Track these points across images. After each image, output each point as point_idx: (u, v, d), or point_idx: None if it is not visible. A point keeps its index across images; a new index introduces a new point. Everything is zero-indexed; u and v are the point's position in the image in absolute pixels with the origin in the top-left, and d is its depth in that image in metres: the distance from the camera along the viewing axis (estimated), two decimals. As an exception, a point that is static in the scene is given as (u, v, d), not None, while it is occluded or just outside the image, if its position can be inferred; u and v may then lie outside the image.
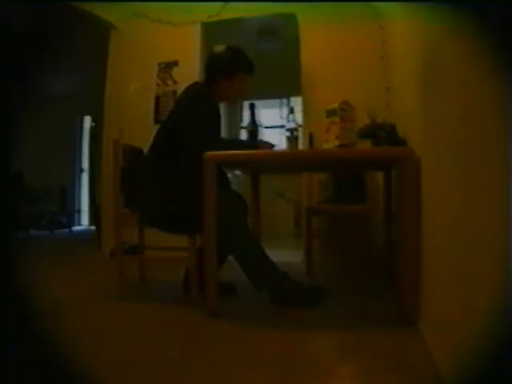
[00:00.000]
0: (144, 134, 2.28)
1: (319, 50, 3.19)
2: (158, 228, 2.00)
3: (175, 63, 3.45)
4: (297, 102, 4.52)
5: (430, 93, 1.33)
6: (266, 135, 2.03)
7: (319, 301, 1.80)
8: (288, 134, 1.95)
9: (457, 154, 1.02)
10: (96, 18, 3.51)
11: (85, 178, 6.95)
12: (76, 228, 6.43)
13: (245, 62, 2.02)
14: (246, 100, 5.54)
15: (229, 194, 1.97)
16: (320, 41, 3.19)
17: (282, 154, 1.90)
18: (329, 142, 1.81)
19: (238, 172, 3.84)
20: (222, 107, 2.30)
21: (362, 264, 2.84)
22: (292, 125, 1.96)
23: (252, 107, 1.96)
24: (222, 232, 1.73)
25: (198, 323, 1.64)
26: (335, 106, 1.78)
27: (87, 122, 6.98)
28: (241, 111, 6.00)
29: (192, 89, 2.03)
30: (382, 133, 1.81)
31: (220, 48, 2.01)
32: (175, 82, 3.42)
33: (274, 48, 4.62)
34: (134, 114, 3.45)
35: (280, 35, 4.41)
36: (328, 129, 1.82)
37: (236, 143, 1.98)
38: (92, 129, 6.83)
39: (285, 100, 5.93)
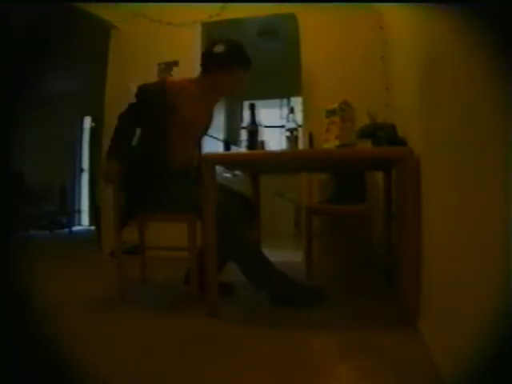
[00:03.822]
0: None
1: (319, 50, 3.18)
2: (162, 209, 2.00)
3: (175, 63, 3.45)
4: (297, 102, 4.53)
5: (430, 93, 1.33)
6: (266, 135, 2.03)
7: (319, 301, 1.80)
8: (288, 133, 1.95)
9: (457, 154, 1.02)
10: (96, 18, 3.51)
11: (85, 178, 6.95)
12: (76, 228, 6.43)
13: (241, 58, 2.02)
14: (246, 100, 5.55)
15: (228, 194, 1.97)
16: (320, 41, 3.19)
17: (282, 154, 1.90)
18: (329, 142, 1.80)
19: (238, 172, 3.84)
20: (222, 107, 2.30)
21: (362, 264, 2.84)
22: (292, 125, 1.96)
23: (252, 107, 1.96)
24: (221, 233, 1.73)
25: (198, 323, 1.64)
26: (335, 106, 1.78)
27: (87, 122, 6.98)
28: (241, 111, 6.00)
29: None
30: (382, 133, 1.81)
31: (218, 45, 2.02)
32: (175, 82, 3.42)
33: (274, 48, 4.62)
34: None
35: (280, 35, 4.41)
36: (328, 129, 1.82)
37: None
38: (92, 129, 6.82)
39: (285, 100, 5.93)
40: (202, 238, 1.86)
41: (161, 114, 1.95)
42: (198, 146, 2.26)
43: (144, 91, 2.02)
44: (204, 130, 2.27)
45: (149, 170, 1.93)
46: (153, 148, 1.95)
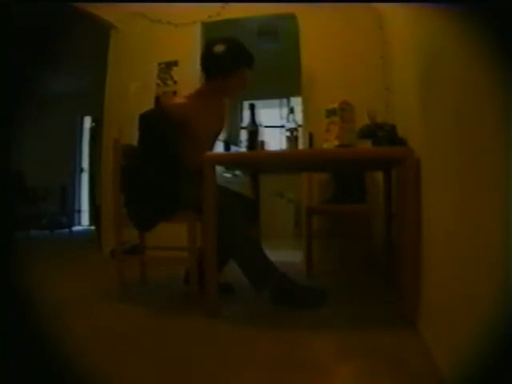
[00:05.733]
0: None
1: (319, 50, 3.19)
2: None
3: (175, 63, 3.45)
4: (297, 102, 4.52)
5: (430, 93, 1.32)
6: (266, 135, 2.03)
7: (319, 302, 1.80)
8: (288, 133, 1.95)
9: (457, 154, 1.02)
10: (96, 18, 3.51)
11: (85, 178, 6.95)
12: (76, 228, 6.43)
13: (246, 57, 2.00)
14: (245, 100, 5.54)
15: (228, 195, 1.97)
16: (320, 41, 3.19)
17: (282, 154, 1.90)
18: (329, 142, 1.80)
19: (238, 172, 3.84)
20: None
21: (362, 264, 2.84)
22: (292, 125, 1.96)
23: (252, 107, 1.96)
24: (221, 233, 1.73)
25: (198, 323, 1.64)
26: (335, 105, 1.78)
27: (87, 122, 6.98)
28: (241, 111, 6.00)
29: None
30: (382, 133, 1.81)
31: (220, 47, 2.00)
32: (175, 82, 3.42)
33: (274, 48, 4.62)
34: (134, 113, 3.45)
35: (280, 35, 4.41)
36: (328, 129, 1.82)
37: None
38: (92, 129, 6.83)
39: (285, 100, 5.93)
40: (202, 238, 1.86)
41: (172, 137, 1.94)
42: (212, 147, 2.25)
43: (147, 121, 2.02)
44: (218, 133, 2.27)
45: (172, 173, 1.94)
46: (172, 160, 1.95)
